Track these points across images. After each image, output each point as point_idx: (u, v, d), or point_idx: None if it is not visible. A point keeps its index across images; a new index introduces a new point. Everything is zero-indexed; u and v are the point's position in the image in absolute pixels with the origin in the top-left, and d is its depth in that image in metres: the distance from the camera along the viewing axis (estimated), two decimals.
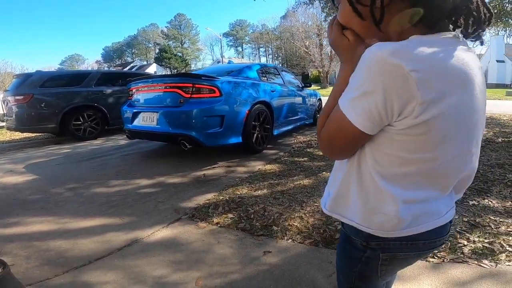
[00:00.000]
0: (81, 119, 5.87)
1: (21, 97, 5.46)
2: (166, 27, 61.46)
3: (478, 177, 2.85)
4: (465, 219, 2.02)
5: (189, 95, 3.20)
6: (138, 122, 3.65)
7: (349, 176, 0.62)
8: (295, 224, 2.03)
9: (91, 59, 69.69)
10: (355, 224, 0.62)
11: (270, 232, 1.92)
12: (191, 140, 3.19)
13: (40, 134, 6.78)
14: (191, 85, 3.20)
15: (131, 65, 49.65)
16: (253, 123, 3.70)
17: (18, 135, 7.23)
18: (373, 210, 0.58)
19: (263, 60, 64.45)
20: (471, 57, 0.53)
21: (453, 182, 0.59)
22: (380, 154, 0.55)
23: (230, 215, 2.15)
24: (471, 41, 0.58)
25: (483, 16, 0.54)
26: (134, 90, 3.88)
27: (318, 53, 26.82)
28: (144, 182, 2.95)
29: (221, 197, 2.47)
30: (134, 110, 3.72)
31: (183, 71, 47.70)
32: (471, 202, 2.29)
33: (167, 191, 2.68)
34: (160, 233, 1.96)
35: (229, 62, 5.51)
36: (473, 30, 0.55)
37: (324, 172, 3.09)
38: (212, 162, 3.58)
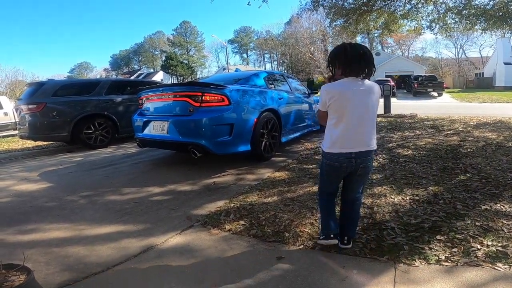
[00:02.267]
0: (92, 127, 5.98)
1: (34, 106, 5.59)
2: (172, 34, 62.39)
3: (489, 181, 2.84)
4: (478, 224, 2.02)
5: (199, 103, 3.27)
6: (149, 130, 3.73)
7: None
8: (306, 230, 2.05)
9: (99, 67, 70.90)
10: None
11: (282, 238, 1.95)
12: (201, 149, 3.25)
13: (52, 142, 6.94)
14: (200, 94, 3.27)
15: (138, 72, 50.44)
16: (261, 130, 3.75)
17: (30, 143, 7.39)
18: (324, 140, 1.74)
19: (268, 66, 64.89)
20: (354, 83, 1.61)
21: (354, 133, 1.63)
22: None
23: (242, 222, 2.18)
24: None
25: (369, 72, 1.63)
26: (144, 99, 3.97)
27: (323, 58, 26.91)
28: (156, 190, 3.01)
29: (232, 205, 2.51)
30: (145, 119, 3.81)
31: (189, 78, 48.28)
32: (483, 207, 2.28)
33: (178, 199, 2.74)
34: (174, 240, 2.00)
35: (236, 70, 5.60)
36: (364, 77, 1.64)
37: None
38: (221, 170, 3.62)
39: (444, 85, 22.46)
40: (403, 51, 50.00)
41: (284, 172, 3.48)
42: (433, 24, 10.29)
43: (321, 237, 1.80)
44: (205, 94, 3.27)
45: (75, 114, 5.80)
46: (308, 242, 1.89)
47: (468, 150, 4.27)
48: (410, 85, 24.68)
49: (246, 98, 3.60)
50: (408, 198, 2.56)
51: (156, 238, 2.02)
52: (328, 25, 12.61)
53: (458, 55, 45.55)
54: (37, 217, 2.44)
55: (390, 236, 1.93)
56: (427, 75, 25.71)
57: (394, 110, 10.25)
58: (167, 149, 4.31)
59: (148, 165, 4.19)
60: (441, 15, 9.77)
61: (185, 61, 52.81)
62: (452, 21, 10.14)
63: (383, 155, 4.16)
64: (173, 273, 1.62)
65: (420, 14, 10.13)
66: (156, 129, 3.60)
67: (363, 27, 11.01)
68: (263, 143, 3.86)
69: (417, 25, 10.78)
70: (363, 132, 1.62)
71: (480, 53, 45.15)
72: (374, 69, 1.62)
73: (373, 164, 3.71)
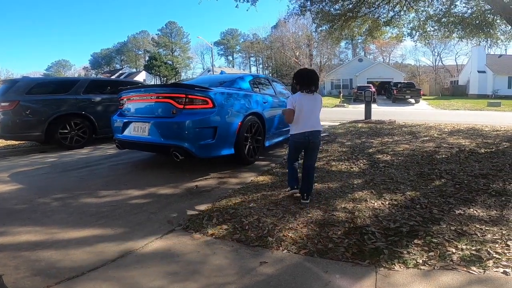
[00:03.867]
0: (68, 127, 5.75)
1: (7, 103, 5.32)
2: (157, 34, 61.41)
3: (463, 187, 2.96)
4: (453, 228, 2.10)
5: (182, 105, 3.21)
6: (129, 132, 3.62)
7: None
8: (290, 235, 2.05)
9: (78, 65, 68.56)
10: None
11: (265, 243, 1.93)
12: (183, 151, 3.19)
13: (23, 142, 6.59)
14: (184, 95, 3.22)
15: (120, 72, 49.16)
16: (245, 134, 3.74)
17: (0, 142, 6.99)
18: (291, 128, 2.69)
19: (254, 69, 65.13)
20: (307, 95, 2.61)
21: (307, 121, 2.60)
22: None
23: (225, 226, 2.15)
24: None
25: (316, 89, 2.66)
26: (125, 99, 3.86)
27: (308, 63, 27.33)
28: (135, 193, 2.92)
29: (215, 208, 2.47)
30: (125, 120, 3.69)
31: (173, 79, 47.54)
32: (457, 212, 2.37)
33: (159, 202, 2.66)
34: (154, 244, 1.94)
35: (222, 72, 5.56)
36: (313, 90, 2.65)
37: (316, 184, 3.13)
38: (204, 174, 3.57)
39: (421, 92, 23.40)
40: (384, 57, 51.77)
41: (267, 176, 3.47)
42: (414, 32, 10.72)
43: (287, 190, 2.80)
44: (189, 96, 3.22)
45: (50, 113, 5.56)
46: (292, 246, 1.89)
47: (443, 156, 4.45)
48: (389, 91, 25.54)
49: (230, 101, 3.58)
50: (387, 203, 2.63)
51: (135, 243, 1.95)
52: (314, 30, 12.82)
53: (435, 63, 47.67)
54: (6, 220, 2.30)
55: (370, 241, 1.96)
56: (406, 82, 26.71)
57: (374, 116, 10.54)
58: (148, 151, 4.20)
59: (127, 167, 4.06)
60: (421, 23, 10.19)
61: (169, 62, 52.07)
62: (432, 29, 10.61)
63: (364, 160, 4.25)
64: (154, 278, 1.56)
65: (402, 22, 10.53)
66: (137, 130, 3.50)
67: (348, 33, 11.29)
68: (247, 147, 3.85)
69: (398, 32, 11.21)
70: (311, 120, 2.62)
71: (455, 61, 47.53)
72: (318, 85, 2.71)
73: (355, 169, 3.79)
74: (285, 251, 1.85)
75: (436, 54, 47.25)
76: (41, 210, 2.53)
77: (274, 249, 1.87)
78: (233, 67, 61.76)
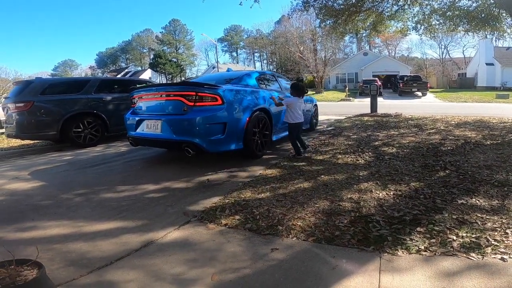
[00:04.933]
0: (81, 126, 5.94)
1: (22, 104, 5.52)
2: (160, 32, 61.62)
3: (466, 178, 3.05)
4: (454, 217, 2.20)
5: (193, 103, 3.34)
6: (142, 129, 3.78)
7: None
8: (298, 223, 2.17)
9: (84, 65, 69.25)
10: None
11: (276, 231, 2.06)
12: (194, 147, 3.33)
13: (38, 141, 6.83)
14: (194, 93, 3.35)
15: (126, 70, 49.53)
16: (253, 129, 3.86)
17: (16, 142, 7.24)
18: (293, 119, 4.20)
19: (258, 65, 64.98)
20: (298, 98, 4.21)
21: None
22: None
23: (237, 217, 2.29)
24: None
25: (303, 95, 4.39)
26: (137, 98, 4.01)
27: (313, 58, 27.22)
28: (151, 187, 3.07)
29: (227, 201, 2.61)
30: (138, 118, 3.85)
31: (178, 76, 47.74)
32: (460, 201, 2.47)
33: (174, 196, 2.81)
34: (173, 234, 2.09)
35: (228, 69, 5.67)
36: (302, 96, 4.36)
37: (322, 176, 3.25)
38: (215, 168, 3.71)
39: (428, 85, 23.18)
40: (390, 51, 51.13)
41: (275, 169, 3.60)
42: (419, 25, 10.63)
43: (302, 154, 4.24)
44: (199, 93, 3.35)
45: (64, 113, 5.75)
46: (301, 234, 2.02)
47: (448, 148, 4.51)
48: (396, 85, 25.33)
49: (238, 98, 3.70)
50: (392, 193, 2.73)
51: (156, 233, 2.10)
52: (318, 25, 12.78)
53: (442, 56, 46.93)
54: (34, 215, 2.47)
55: (375, 228, 2.07)
56: (412, 75, 26.45)
57: (380, 110, 10.55)
58: (161, 148, 4.36)
59: (141, 163, 4.23)
60: (426, 17, 10.10)
61: (174, 60, 52.29)
62: (437, 22, 10.51)
63: (369, 153, 4.34)
64: (175, 265, 1.71)
65: (406, 15, 10.46)
66: (150, 127, 3.65)
67: (352, 27, 11.26)
68: (255, 141, 3.97)
69: (403, 26, 11.13)
70: (300, 115, 4.13)
71: (463, 54, 46.70)
72: (306, 92, 4.32)
73: (360, 161, 3.89)
74: (295, 238, 1.97)
75: (443, 47, 46.53)
76: (65, 205, 2.70)
77: (284, 237, 2.00)
78: (237, 63, 61.67)
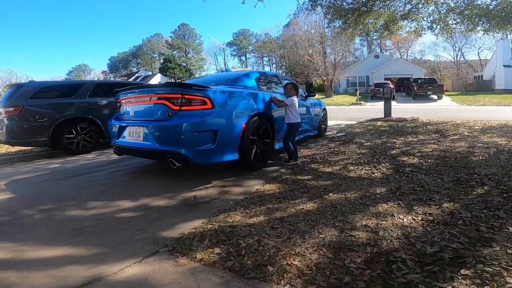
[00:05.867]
0: (74, 132, 5.60)
1: (12, 108, 5.21)
2: (170, 37, 62.12)
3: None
4: (510, 251, 1.64)
5: (178, 107, 2.88)
6: (125, 137, 3.35)
7: None
8: (295, 263, 1.66)
9: (97, 69, 70.62)
10: None
11: (264, 274, 1.56)
12: (180, 158, 2.86)
13: (34, 147, 6.56)
14: (180, 96, 2.89)
15: (136, 75, 50.07)
16: (251, 137, 3.37)
17: (15, 148, 6.99)
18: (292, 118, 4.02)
19: (267, 69, 64.66)
20: (295, 97, 4.05)
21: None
22: None
23: (217, 250, 1.79)
24: None
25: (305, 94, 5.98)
26: (122, 102, 3.59)
27: (322, 61, 26.58)
28: (127, 204, 2.62)
29: (210, 226, 2.11)
30: (121, 124, 3.43)
31: (187, 81, 47.80)
32: (511, 228, 1.90)
33: (149, 216, 2.34)
34: (131, 270, 1.62)
35: (227, 70, 5.22)
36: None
37: (330, 194, 2.72)
38: (206, 181, 3.24)
39: (444, 88, 22.20)
40: (402, 54, 49.87)
41: (275, 184, 3.09)
42: (434, 25, 10.03)
43: (297, 160, 4.04)
44: (186, 96, 2.88)
45: (56, 118, 5.42)
46: (296, 280, 1.51)
47: (480, 158, 3.90)
48: (409, 88, 24.44)
49: (233, 101, 3.22)
50: (420, 218, 2.18)
51: (109, 267, 1.64)
52: (327, 25, 12.28)
53: (456, 58, 45.47)
54: None
55: (400, 272, 1.54)
56: (427, 77, 25.44)
57: (394, 114, 9.91)
58: (145, 158, 3.91)
59: (127, 174, 3.80)
60: (442, 16, 9.50)
61: (183, 64, 52.55)
62: (454, 22, 9.89)
63: (387, 164, 3.78)
64: None
65: (420, 15, 9.86)
66: (132, 135, 3.21)
67: (362, 28, 10.71)
68: (253, 151, 3.48)
69: (417, 26, 10.51)
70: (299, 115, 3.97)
71: (478, 56, 45.14)
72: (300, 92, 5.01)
73: (376, 174, 3.34)
74: (288, 286, 1.47)
75: (457, 49, 45.09)
76: (22, 223, 2.30)
77: (274, 283, 1.49)
78: (246, 67, 61.58)
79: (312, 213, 2.31)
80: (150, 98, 3.09)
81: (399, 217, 2.20)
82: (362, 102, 20.70)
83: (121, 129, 3.40)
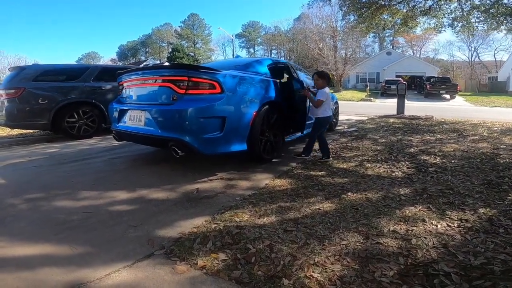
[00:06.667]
0: (76, 116, 5.38)
1: (12, 91, 5.01)
2: (179, 26, 61.49)
3: None
4: None
5: (184, 90, 2.60)
6: (126, 122, 3.09)
7: None
8: (315, 275, 1.39)
9: (106, 57, 70.49)
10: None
11: None
12: (184, 146, 2.59)
13: (35, 130, 6.37)
14: (186, 78, 2.60)
15: (144, 63, 49.77)
16: (261, 127, 3.08)
17: (16, 131, 6.82)
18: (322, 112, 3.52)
19: None
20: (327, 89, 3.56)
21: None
22: None
23: (222, 256, 1.52)
24: None
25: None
26: (124, 84, 3.32)
27: (332, 55, 25.96)
28: (122, 196, 2.37)
29: (214, 225, 1.85)
30: (122, 108, 3.16)
31: None
32: None
33: (146, 210, 2.09)
34: (118, 276, 1.36)
35: (237, 56, 4.90)
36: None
37: (349, 193, 2.43)
38: (210, 173, 2.97)
39: (458, 88, 21.54)
40: (415, 51, 48.66)
41: (286, 179, 2.81)
42: (455, 22, 9.58)
43: (330, 156, 3.60)
44: (192, 78, 2.60)
45: (57, 101, 5.21)
46: None
47: (508, 160, 3.57)
48: (421, 86, 23.81)
49: (244, 87, 2.92)
50: (455, 224, 1.90)
51: (93, 271, 1.39)
52: (341, 18, 11.82)
53: (471, 58, 44.24)
54: None
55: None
56: (440, 76, 24.74)
57: (406, 112, 9.51)
58: (146, 145, 3.64)
59: (126, 161, 3.55)
60: (465, 13, 9.04)
61: (191, 54, 52.07)
62: (476, 20, 9.42)
63: (406, 162, 3.48)
64: None
65: (441, 12, 9.40)
66: (133, 120, 2.95)
67: (379, 22, 10.25)
68: (263, 142, 3.20)
69: (437, 23, 10.03)
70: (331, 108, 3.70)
71: (494, 57, 43.90)
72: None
73: (397, 173, 3.05)
74: None
75: (472, 49, 43.79)
76: (3, 214, 2.04)
77: None
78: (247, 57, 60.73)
79: (330, 214, 2.03)
80: (155, 81, 2.81)
81: (432, 223, 1.91)
82: (371, 98, 20.18)
83: (122, 113, 3.14)
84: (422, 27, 10.98)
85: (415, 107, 14.59)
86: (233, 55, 33.66)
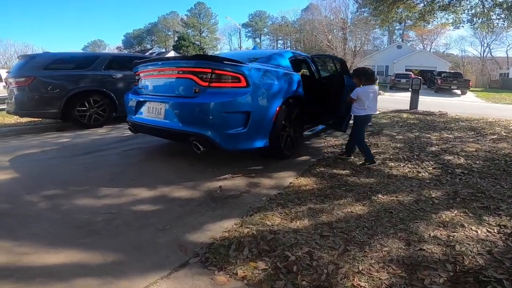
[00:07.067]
0: (87, 104, 5.30)
1: (23, 79, 4.93)
2: (186, 15, 60.73)
3: None
4: None
5: (207, 83, 2.47)
6: (143, 113, 2.98)
7: None
8: (362, 284, 1.31)
9: (112, 45, 70.03)
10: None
11: None
12: (206, 142, 2.49)
13: (45, 119, 6.30)
14: (209, 70, 2.47)
15: (150, 51, 49.44)
16: (283, 122, 2.96)
17: (24, 119, 6.75)
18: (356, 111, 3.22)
19: None
20: (371, 87, 3.17)
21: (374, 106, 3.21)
22: None
23: (262, 264, 1.43)
24: None
25: (373, 82, 3.25)
26: (141, 75, 3.20)
27: (342, 47, 25.48)
28: (143, 194, 2.27)
29: (246, 230, 1.75)
30: (139, 99, 3.05)
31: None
32: None
33: (171, 211, 1.99)
34: None
35: (254, 47, 4.73)
36: (372, 84, 3.23)
37: (379, 195, 2.33)
38: (230, 169, 2.87)
39: (470, 84, 21.09)
40: (425, 45, 47.66)
41: (310, 178, 2.70)
42: (475, 19, 9.28)
43: (374, 162, 3.19)
44: (216, 71, 2.47)
45: (68, 90, 5.12)
46: None
47: None
48: (431, 80, 23.36)
49: (268, 81, 2.78)
50: (495, 230, 1.80)
51: (130, 283, 1.30)
52: (355, 11, 11.49)
53: (483, 54, 43.32)
54: None
55: None
56: (452, 71, 24.22)
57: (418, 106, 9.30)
58: (164, 138, 3.52)
59: (142, 154, 3.46)
60: (486, 10, 8.74)
61: (197, 43, 51.50)
62: (497, 17, 9.11)
63: (431, 162, 3.35)
64: None
65: (461, 7, 9.10)
66: (151, 112, 2.83)
67: (394, 15, 9.94)
68: (284, 137, 3.08)
69: (455, 18, 9.73)
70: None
71: (506, 53, 42.89)
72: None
73: (423, 174, 2.92)
74: None
75: (485, 45, 42.79)
76: (22, 213, 1.95)
77: None
78: (260, 48, 60.07)
79: (364, 218, 1.93)
80: (175, 72, 2.67)
81: (471, 229, 1.82)
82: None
83: (139, 104, 3.02)
84: (440, 22, 10.68)
85: (426, 102, 14.30)
86: (239, 45, 33.14)
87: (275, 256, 1.50)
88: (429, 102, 14.17)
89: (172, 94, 2.70)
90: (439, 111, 8.98)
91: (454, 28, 11.64)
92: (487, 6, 8.59)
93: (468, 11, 9.03)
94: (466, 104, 15.27)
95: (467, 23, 9.38)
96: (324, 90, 3.90)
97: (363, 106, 3.11)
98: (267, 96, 2.73)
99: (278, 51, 3.61)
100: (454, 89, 20.44)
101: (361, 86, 3.13)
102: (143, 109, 2.98)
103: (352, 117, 3.34)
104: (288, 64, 3.40)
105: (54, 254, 1.49)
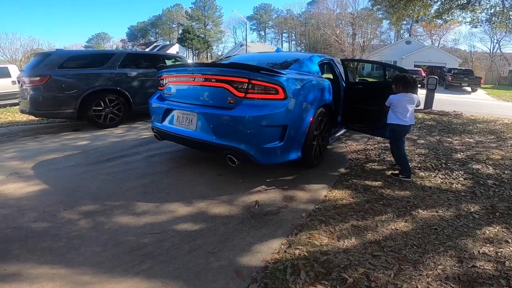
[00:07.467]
0: (103, 104, 5.25)
1: (38, 78, 4.85)
2: (190, 8, 60.20)
3: None
4: None
5: (243, 93, 2.41)
6: (171, 122, 2.92)
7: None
8: None
9: (116, 38, 69.81)
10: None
11: None
12: (241, 156, 2.43)
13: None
14: (246, 80, 2.40)
15: (154, 44, 49.18)
16: (314, 132, 2.91)
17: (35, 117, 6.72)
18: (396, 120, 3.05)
19: (286, 45, 62.52)
20: (407, 95, 2.97)
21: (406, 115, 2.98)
22: None
23: None
24: None
25: (414, 91, 3.02)
26: (167, 80, 3.13)
27: (350, 42, 25.16)
28: (181, 210, 2.23)
29: (296, 251, 1.72)
30: (166, 106, 2.99)
31: (205, 52, 46.54)
32: None
33: (215, 231, 1.96)
34: None
35: (278, 50, 4.61)
36: (410, 91, 3.00)
37: (419, 210, 2.29)
38: (259, 179, 2.83)
39: (482, 81, 20.77)
40: (434, 41, 46.95)
41: (344, 190, 2.66)
42: (494, 18, 9.10)
43: (409, 177, 3.01)
44: (253, 81, 2.40)
45: (84, 89, 5.06)
46: None
47: None
48: (441, 77, 23.03)
49: (304, 91, 2.71)
50: None
51: None
52: (371, 6, 11.25)
53: (492, 50, 42.62)
54: (20, 251, 1.70)
55: None
56: (463, 68, 23.82)
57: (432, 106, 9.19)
58: (194, 148, 3.39)
59: (166, 161, 3.42)
60: (505, 10, 8.56)
61: (202, 35, 51.09)
62: None
63: (460, 171, 3.29)
64: None
65: (480, 6, 8.92)
66: (181, 121, 2.78)
67: (411, 13, 9.74)
68: (314, 147, 3.03)
69: (473, 17, 9.55)
70: (411, 115, 2.98)
71: None
72: (416, 89, 3.06)
73: (457, 186, 2.87)
74: None
75: (495, 41, 42.06)
76: (65, 234, 1.90)
77: None
78: (265, 42, 59.60)
79: (411, 235, 1.90)
80: (207, 80, 2.60)
81: None
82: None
83: (167, 112, 2.97)
84: (457, 19, 10.52)
85: (436, 99, 14.04)
86: (245, 38, 32.77)
87: (333, 279, 1.47)
88: (441, 100, 13.97)
89: (204, 104, 2.64)
90: (454, 111, 8.87)
91: (471, 27, 11.38)
92: (507, 5, 8.40)
93: (487, 10, 8.85)
94: (478, 103, 15.05)
95: (485, 22, 9.18)
96: (362, 97, 3.80)
97: (396, 114, 3.01)
98: (303, 107, 2.66)
99: (307, 56, 3.49)
100: (465, 86, 20.17)
101: (397, 93, 3.03)
102: (171, 117, 2.92)
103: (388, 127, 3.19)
104: (318, 69, 3.33)
105: (117, 284, 1.46)
